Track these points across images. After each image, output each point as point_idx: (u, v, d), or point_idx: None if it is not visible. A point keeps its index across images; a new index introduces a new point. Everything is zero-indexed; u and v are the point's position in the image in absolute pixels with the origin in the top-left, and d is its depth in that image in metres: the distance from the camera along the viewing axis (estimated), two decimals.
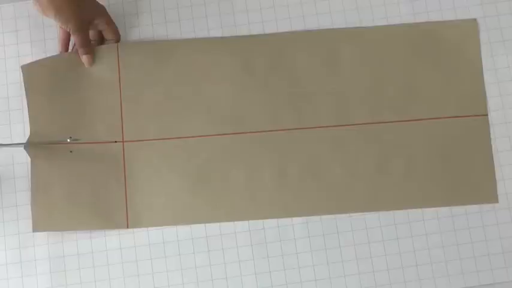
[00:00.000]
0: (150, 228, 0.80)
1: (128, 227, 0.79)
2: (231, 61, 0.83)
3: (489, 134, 0.81)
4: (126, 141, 0.81)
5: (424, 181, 0.80)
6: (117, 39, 0.83)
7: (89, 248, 0.80)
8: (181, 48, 0.83)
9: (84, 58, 0.80)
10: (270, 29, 0.85)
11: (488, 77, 0.83)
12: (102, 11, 0.81)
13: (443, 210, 0.80)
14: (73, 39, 0.81)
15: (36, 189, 0.79)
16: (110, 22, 0.82)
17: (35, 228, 0.79)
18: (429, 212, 0.80)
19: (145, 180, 0.80)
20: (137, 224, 0.79)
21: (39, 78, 0.79)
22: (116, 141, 0.80)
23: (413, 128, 0.81)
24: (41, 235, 0.80)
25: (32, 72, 0.79)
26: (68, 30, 0.79)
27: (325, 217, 0.80)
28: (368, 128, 0.81)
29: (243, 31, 0.85)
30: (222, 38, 0.84)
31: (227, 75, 0.82)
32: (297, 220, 0.80)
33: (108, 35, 0.83)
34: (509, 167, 0.81)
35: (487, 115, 0.82)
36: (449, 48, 0.83)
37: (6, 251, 0.80)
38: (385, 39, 0.84)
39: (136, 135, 0.81)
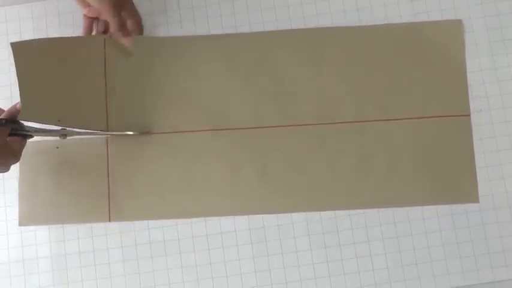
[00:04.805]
0: (150, 227, 0.81)
1: (110, 220, 0.80)
2: (216, 58, 0.84)
3: (471, 134, 0.81)
4: (110, 133, 0.81)
5: (406, 180, 0.80)
6: (140, 32, 0.84)
7: (90, 246, 0.81)
8: (167, 45, 0.84)
9: (126, 40, 0.82)
10: (271, 29, 0.85)
11: (488, 76, 0.83)
12: (130, 1, 0.82)
13: (443, 208, 0.80)
14: (96, 29, 0.82)
15: (24, 185, 0.81)
16: (135, 13, 0.83)
17: (21, 223, 0.81)
18: (429, 210, 0.80)
19: (128, 174, 0.81)
20: (119, 218, 0.80)
21: (29, 57, 0.76)
22: (101, 131, 0.81)
23: (396, 127, 0.82)
24: (43, 233, 0.81)
25: (22, 50, 0.75)
26: (103, 15, 0.79)
27: (324, 215, 0.81)
28: (351, 127, 0.82)
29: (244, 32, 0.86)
30: (207, 35, 0.85)
31: (211, 72, 0.83)
32: (296, 218, 0.81)
33: (132, 26, 0.83)
34: (509, 165, 0.81)
35: (469, 115, 0.82)
36: (434, 49, 0.84)
37: (8, 250, 0.81)
38: (370, 38, 0.84)
39: (120, 128, 0.81)
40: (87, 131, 0.80)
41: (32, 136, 0.76)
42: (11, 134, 0.73)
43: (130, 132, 0.81)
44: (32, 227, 0.81)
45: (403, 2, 0.86)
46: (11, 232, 0.81)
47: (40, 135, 0.78)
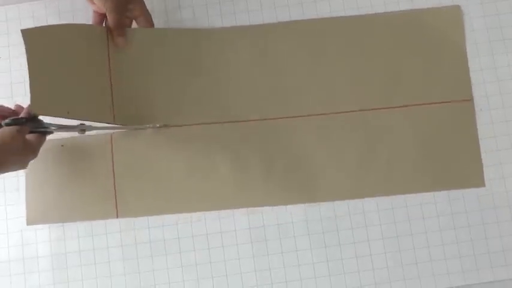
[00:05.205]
0: (150, 226, 0.81)
1: (117, 217, 0.80)
2: (218, 51, 0.84)
3: (474, 118, 0.82)
4: (130, 126, 0.81)
5: (410, 166, 0.81)
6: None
7: (91, 245, 0.81)
8: (170, 37, 0.84)
9: (119, 40, 0.80)
10: None
11: (488, 76, 0.83)
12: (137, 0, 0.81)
13: (444, 208, 0.80)
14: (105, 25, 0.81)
15: (31, 184, 0.81)
16: (144, 10, 0.82)
17: (29, 222, 0.81)
18: (429, 210, 0.80)
19: (133, 170, 0.81)
20: (126, 214, 0.80)
21: (39, 44, 0.73)
22: (108, 123, 0.80)
23: (399, 114, 0.82)
24: (43, 232, 0.81)
25: (32, 37, 0.71)
26: (105, 10, 0.78)
27: (324, 215, 0.81)
28: (354, 116, 0.82)
29: None
30: (209, 28, 0.85)
31: (214, 65, 0.83)
32: (296, 217, 0.81)
33: (141, 23, 0.82)
34: (509, 165, 0.81)
35: (471, 100, 0.82)
36: (434, 35, 0.84)
37: (9, 248, 0.81)
38: (370, 27, 0.84)
39: (126, 120, 0.81)
40: (105, 125, 0.79)
41: (51, 132, 0.76)
42: (30, 132, 0.73)
43: (157, 125, 0.81)
44: (32, 226, 0.81)
45: (403, 1, 0.85)
46: (12, 231, 0.81)
47: (59, 131, 0.77)
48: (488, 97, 0.83)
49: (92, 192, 0.81)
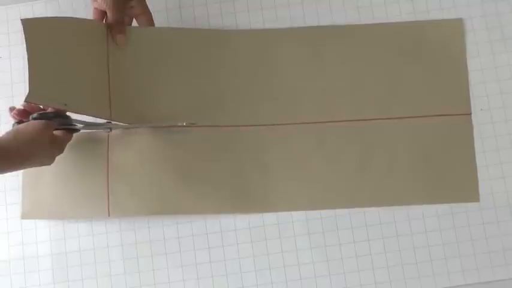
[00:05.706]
0: (150, 225, 0.81)
1: (109, 215, 0.79)
2: (218, 52, 0.83)
3: (472, 133, 0.82)
4: (113, 122, 0.79)
5: (406, 178, 0.80)
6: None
7: (91, 245, 0.81)
8: (170, 37, 0.83)
9: (118, 37, 0.80)
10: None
11: (488, 75, 0.83)
12: None
13: (444, 207, 0.80)
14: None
15: (27, 179, 0.81)
16: (145, 9, 0.81)
17: (23, 216, 0.81)
18: (429, 209, 0.80)
19: (128, 169, 0.80)
20: (118, 213, 0.80)
21: (39, 34, 0.72)
22: (106, 119, 0.78)
23: (396, 125, 0.81)
24: (43, 231, 0.81)
25: (32, 27, 0.71)
26: (105, 7, 0.78)
27: (325, 214, 0.81)
28: (351, 125, 0.82)
29: None
30: (209, 29, 0.85)
31: (213, 67, 0.83)
32: (296, 217, 0.81)
33: (141, 21, 0.82)
34: (509, 164, 0.81)
35: (470, 114, 0.82)
36: (435, 48, 0.84)
37: (9, 247, 0.81)
38: (371, 37, 0.84)
39: (123, 118, 0.80)
40: (127, 124, 0.79)
41: (78, 130, 0.76)
42: (58, 129, 0.73)
43: (184, 123, 0.79)
44: (32, 225, 0.81)
45: (403, 1, 0.86)
46: (12, 230, 0.81)
47: (86, 129, 0.77)
48: (488, 97, 0.83)
49: (85, 190, 0.80)
